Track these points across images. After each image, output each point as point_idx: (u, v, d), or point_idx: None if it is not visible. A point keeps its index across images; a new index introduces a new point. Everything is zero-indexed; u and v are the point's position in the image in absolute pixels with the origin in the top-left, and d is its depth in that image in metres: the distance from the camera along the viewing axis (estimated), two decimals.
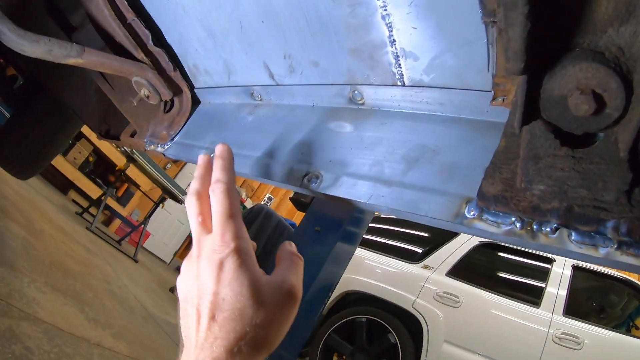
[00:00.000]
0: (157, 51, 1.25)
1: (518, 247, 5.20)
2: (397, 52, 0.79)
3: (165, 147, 1.30)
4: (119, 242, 7.26)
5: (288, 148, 0.97)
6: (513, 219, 0.60)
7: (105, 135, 2.22)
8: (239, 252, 0.65)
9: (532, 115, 0.59)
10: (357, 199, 0.77)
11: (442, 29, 0.72)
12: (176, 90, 1.32)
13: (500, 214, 0.61)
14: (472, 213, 0.64)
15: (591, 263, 0.56)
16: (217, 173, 0.75)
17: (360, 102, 0.92)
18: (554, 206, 0.57)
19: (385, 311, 4.69)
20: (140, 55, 1.25)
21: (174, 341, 4.17)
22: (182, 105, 1.35)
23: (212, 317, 0.61)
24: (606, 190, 0.54)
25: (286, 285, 0.68)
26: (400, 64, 0.80)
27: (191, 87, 1.33)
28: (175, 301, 5.79)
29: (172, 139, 1.30)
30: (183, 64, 1.27)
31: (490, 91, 0.73)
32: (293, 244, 0.78)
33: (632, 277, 5.02)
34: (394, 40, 0.78)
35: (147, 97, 1.34)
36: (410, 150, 0.78)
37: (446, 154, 0.74)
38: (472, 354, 4.29)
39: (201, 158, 0.85)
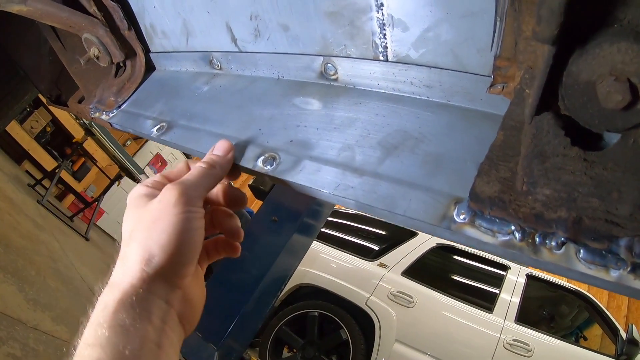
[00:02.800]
0: (112, 5, 1.11)
1: (475, 252, 5.25)
2: (383, 19, 0.67)
3: (111, 115, 1.15)
4: (71, 218, 6.96)
5: (243, 123, 0.83)
6: (512, 227, 0.48)
7: (56, 100, 2.09)
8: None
9: (546, 104, 0.49)
10: (319, 188, 0.64)
11: None
12: (129, 52, 1.18)
13: (497, 220, 0.49)
14: (462, 217, 0.51)
15: (602, 288, 0.46)
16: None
17: (333, 77, 0.79)
18: (561, 216, 0.46)
19: (338, 307, 4.64)
20: (92, 8, 1.11)
21: None
22: (135, 70, 1.20)
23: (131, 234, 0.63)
24: (621, 203, 0.45)
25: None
26: (385, 34, 0.68)
27: (146, 50, 1.18)
28: None
29: (119, 107, 1.15)
30: (139, 23, 1.13)
31: (489, 76, 0.62)
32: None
33: (583, 289, 5.12)
34: (382, 4, 0.65)
35: (97, 57, 1.19)
36: (388, 136, 0.65)
37: (432, 144, 0.62)
38: (423, 354, 4.28)
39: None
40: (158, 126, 0.96)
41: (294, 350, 4.70)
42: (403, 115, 0.67)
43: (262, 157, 0.73)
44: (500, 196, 0.50)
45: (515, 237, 0.48)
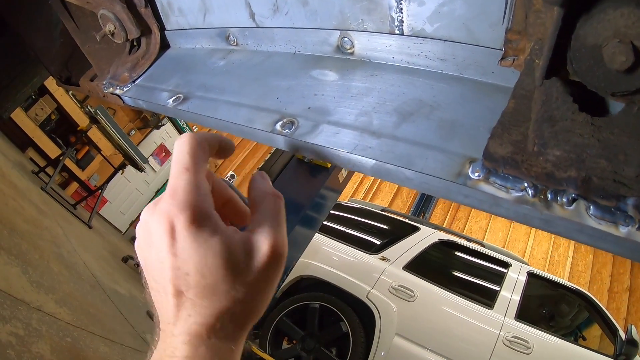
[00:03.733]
0: None
1: (476, 248, 5.26)
2: None
3: (125, 89, 1.17)
4: (74, 205, 6.98)
5: (261, 93, 0.85)
6: (525, 184, 0.51)
7: (66, 82, 2.09)
8: (192, 213, 0.52)
9: (555, 68, 0.51)
10: (338, 148, 0.66)
11: None
12: (145, 30, 1.20)
13: (510, 177, 0.52)
14: (476, 174, 0.54)
15: (610, 250, 0.48)
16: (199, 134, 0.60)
17: (349, 50, 0.81)
18: (571, 175, 0.49)
19: (339, 299, 4.63)
20: None
21: (121, 312, 4.02)
22: (149, 48, 1.22)
23: (180, 294, 0.51)
24: (627, 165, 0.47)
25: (267, 242, 0.54)
26: (402, 9, 0.70)
27: (161, 28, 1.20)
28: (126, 271, 5.64)
29: (134, 81, 1.17)
30: (156, 0, 1.14)
31: (500, 49, 0.64)
32: (267, 177, 0.63)
33: (584, 289, 5.13)
34: None
35: (112, 34, 1.21)
36: (404, 104, 0.67)
37: (446, 111, 0.64)
38: (422, 349, 4.28)
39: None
40: (174, 97, 0.98)
41: (294, 342, 4.70)
42: (418, 86, 0.70)
43: (281, 122, 0.75)
44: (513, 156, 0.52)
45: (528, 193, 0.51)
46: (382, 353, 4.29)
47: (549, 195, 0.49)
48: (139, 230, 0.57)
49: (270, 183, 0.62)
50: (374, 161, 0.62)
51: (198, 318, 0.51)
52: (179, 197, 0.52)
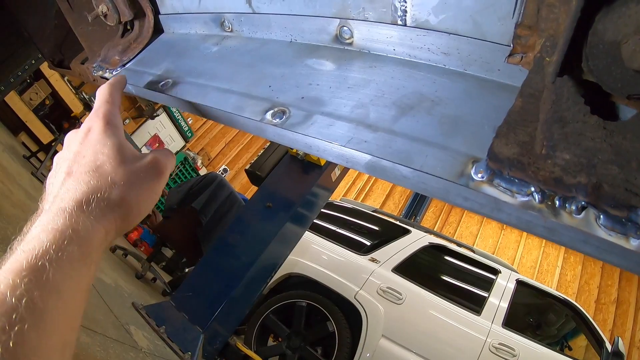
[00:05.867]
0: None
1: (466, 253, 5.26)
2: None
3: (114, 73, 1.13)
4: None
5: (253, 80, 0.81)
6: (532, 188, 0.47)
7: (58, 65, 2.06)
8: (108, 121, 0.69)
9: (568, 65, 0.48)
10: (331, 141, 0.62)
11: None
12: (138, 12, 1.16)
13: (516, 180, 0.48)
14: (480, 175, 0.50)
15: (618, 265, 0.44)
16: (113, 78, 0.81)
17: (347, 40, 0.77)
18: (581, 181, 0.45)
19: (326, 298, 4.60)
20: None
21: (105, 301, 3.96)
22: (142, 31, 1.18)
23: (69, 173, 0.63)
24: None
25: (154, 159, 0.69)
26: None
27: (155, 12, 1.16)
28: (113, 260, 5.59)
29: (124, 65, 1.12)
30: None
31: (508, 45, 0.60)
32: None
33: (571, 299, 5.14)
34: None
35: (105, 15, 1.17)
36: (404, 97, 0.63)
37: (448, 107, 0.60)
38: (408, 352, 4.26)
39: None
40: (163, 82, 0.94)
41: (280, 339, 4.69)
42: (419, 80, 0.66)
43: (271, 111, 0.71)
44: (519, 158, 0.48)
45: (535, 199, 0.47)
46: (368, 354, 4.27)
47: (557, 202, 0.46)
48: (64, 142, 0.71)
49: None
50: (369, 157, 0.58)
51: (74, 193, 0.59)
52: (100, 113, 0.71)
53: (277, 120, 0.70)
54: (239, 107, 0.76)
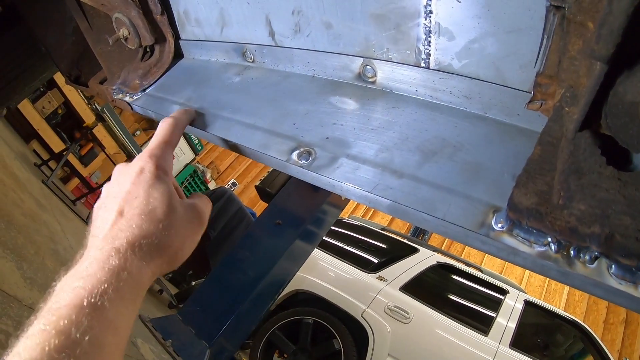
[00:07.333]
0: None
1: (474, 273, 5.23)
2: (430, 27, 0.67)
3: (134, 97, 1.15)
4: (74, 202, 6.93)
5: (277, 116, 0.83)
6: (549, 239, 0.49)
7: (75, 81, 2.08)
8: (160, 167, 0.72)
9: (588, 121, 0.49)
10: (358, 186, 0.64)
11: (491, 8, 0.60)
12: (159, 37, 1.18)
13: (534, 230, 0.50)
14: (500, 225, 0.52)
15: (629, 307, 0.46)
16: (175, 113, 0.86)
17: (370, 79, 0.79)
18: (595, 231, 0.47)
19: (333, 316, 4.59)
20: None
21: None
22: (163, 56, 1.20)
23: (121, 212, 0.66)
24: None
25: (196, 207, 0.75)
26: (430, 42, 0.68)
27: (176, 37, 1.18)
28: None
29: (144, 90, 1.15)
30: (172, 9, 1.12)
31: (529, 92, 0.62)
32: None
33: (579, 320, 5.10)
34: (431, 12, 0.65)
35: (126, 39, 1.19)
36: (427, 142, 0.65)
37: (470, 153, 0.62)
38: None
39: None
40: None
41: (285, 355, 4.66)
42: (441, 123, 0.67)
43: (297, 151, 0.73)
44: (538, 208, 0.50)
45: (551, 249, 0.49)
46: None
47: (572, 252, 0.48)
48: (113, 175, 0.75)
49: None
50: (395, 202, 0.60)
51: (126, 234, 0.62)
52: (154, 156, 0.73)
53: (303, 161, 0.71)
54: (265, 145, 0.78)
